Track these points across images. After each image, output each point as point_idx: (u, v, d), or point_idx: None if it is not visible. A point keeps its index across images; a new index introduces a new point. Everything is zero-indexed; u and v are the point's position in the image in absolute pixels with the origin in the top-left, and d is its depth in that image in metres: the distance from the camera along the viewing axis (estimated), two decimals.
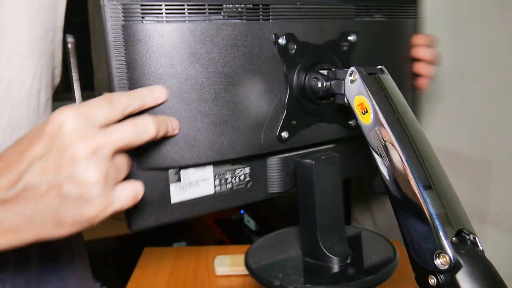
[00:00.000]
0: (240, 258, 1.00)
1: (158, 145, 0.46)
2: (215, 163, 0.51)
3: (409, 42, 0.67)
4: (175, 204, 0.50)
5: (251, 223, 2.23)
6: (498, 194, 0.96)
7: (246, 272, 0.96)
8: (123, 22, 0.44)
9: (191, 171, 0.50)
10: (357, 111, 0.45)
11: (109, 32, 0.44)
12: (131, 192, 0.40)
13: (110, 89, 0.45)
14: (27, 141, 0.38)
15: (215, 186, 0.52)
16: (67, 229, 0.39)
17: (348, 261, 0.53)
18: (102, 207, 0.38)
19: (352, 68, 0.46)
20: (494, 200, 0.97)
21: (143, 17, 0.45)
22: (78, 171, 0.36)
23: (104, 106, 0.39)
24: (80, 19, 1.29)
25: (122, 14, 0.44)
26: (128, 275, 0.97)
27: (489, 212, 0.99)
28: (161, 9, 0.45)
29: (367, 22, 0.59)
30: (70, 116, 0.37)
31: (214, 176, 0.52)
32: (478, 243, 0.36)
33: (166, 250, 1.08)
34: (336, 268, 0.52)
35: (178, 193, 0.50)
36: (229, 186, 0.53)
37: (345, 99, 0.47)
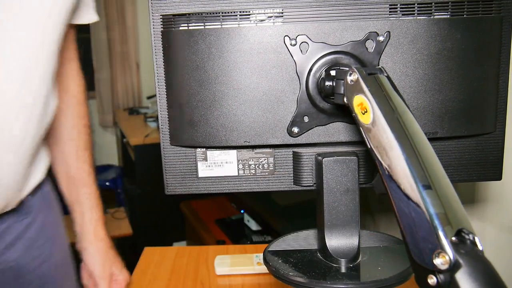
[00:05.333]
0: (240, 258, 1.00)
1: (187, 128, 0.56)
2: (238, 149, 0.58)
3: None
4: (202, 178, 0.59)
5: (251, 223, 2.23)
6: (498, 194, 0.96)
7: (246, 272, 0.96)
8: (162, 29, 0.55)
9: (216, 153, 0.58)
10: (357, 111, 0.45)
11: (152, 37, 0.55)
12: None
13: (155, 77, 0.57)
14: None
15: (238, 169, 0.59)
16: None
17: (353, 264, 0.53)
18: None
19: (352, 68, 0.46)
20: (494, 200, 0.97)
21: (175, 25, 0.54)
22: None
23: None
24: None
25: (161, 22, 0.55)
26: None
27: (489, 212, 0.99)
28: (186, 19, 0.54)
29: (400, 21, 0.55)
30: None
31: (238, 161, 0.59)
32: (478, 243, 0.36)
33: (166, 250, 1.08)
34: (340, 268, 0.52)
35: (205, 169, 0.59)
36: (253, 171, 0.59)
37: (344, 99, 0.47)
